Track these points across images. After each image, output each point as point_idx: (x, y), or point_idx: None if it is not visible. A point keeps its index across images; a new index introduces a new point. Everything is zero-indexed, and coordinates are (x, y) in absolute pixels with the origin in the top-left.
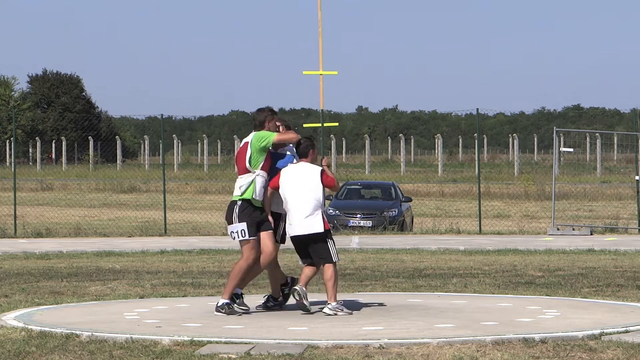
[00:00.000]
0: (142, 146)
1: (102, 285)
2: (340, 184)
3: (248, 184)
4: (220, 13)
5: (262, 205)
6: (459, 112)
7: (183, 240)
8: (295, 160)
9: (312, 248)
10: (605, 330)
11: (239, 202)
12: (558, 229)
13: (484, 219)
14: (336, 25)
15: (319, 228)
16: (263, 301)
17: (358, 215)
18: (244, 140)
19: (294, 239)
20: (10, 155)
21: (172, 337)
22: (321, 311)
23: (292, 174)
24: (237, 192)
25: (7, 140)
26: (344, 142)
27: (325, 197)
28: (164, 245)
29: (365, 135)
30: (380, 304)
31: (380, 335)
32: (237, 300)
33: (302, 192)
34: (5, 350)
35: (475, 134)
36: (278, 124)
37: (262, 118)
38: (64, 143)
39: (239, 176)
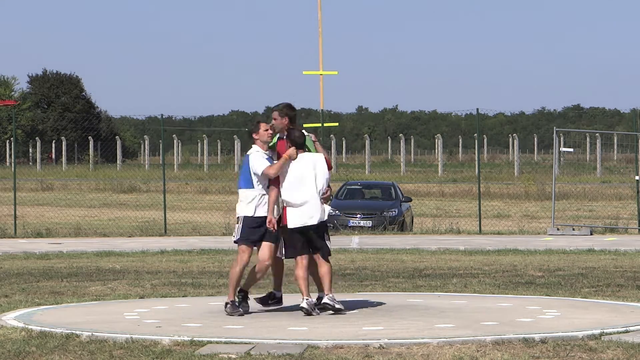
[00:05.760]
0: (142, 146)
1: (102, 285)
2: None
3: None
4: (220, 13)
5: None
6: (459, 112)
7: (183, 240)
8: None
9: (315, 239)
10: (605, 330)
11: None
12: (558, 229)
13: (484, 219)
14: (336, 25)
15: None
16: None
17: (358, 215)
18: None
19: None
20: (10, 155)
21: (172, 337)
22: (322, 303)
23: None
24: None
25: (7, 140)
26: (344, 142)
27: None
28: (164, 245)
29: (365, 135)
30: (380, 304)
31: (380, 335)
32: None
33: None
34: (5, 350)
35: (475, 134)
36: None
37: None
38: (64, 143)
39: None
